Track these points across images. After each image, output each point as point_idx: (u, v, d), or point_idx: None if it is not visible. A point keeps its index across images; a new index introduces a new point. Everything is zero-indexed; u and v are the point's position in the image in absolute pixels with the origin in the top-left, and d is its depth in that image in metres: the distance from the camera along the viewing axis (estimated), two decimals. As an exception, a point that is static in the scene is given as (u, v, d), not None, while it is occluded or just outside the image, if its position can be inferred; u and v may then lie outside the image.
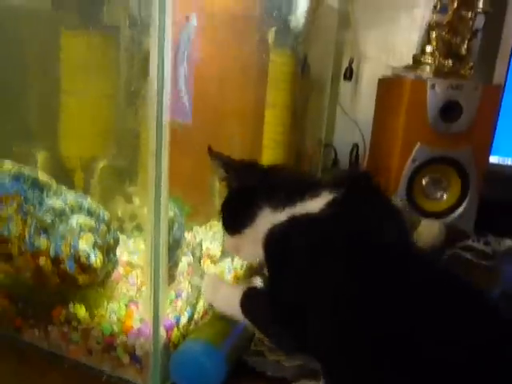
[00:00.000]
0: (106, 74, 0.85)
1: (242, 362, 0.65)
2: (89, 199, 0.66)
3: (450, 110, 1.11)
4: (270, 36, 0.94)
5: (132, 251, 0.80)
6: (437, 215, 1.15)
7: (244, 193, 0.62)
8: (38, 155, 0.89)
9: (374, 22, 1.39)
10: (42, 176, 0.63)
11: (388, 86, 1.27)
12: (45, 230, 0.61)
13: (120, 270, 0.73)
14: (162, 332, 0.60)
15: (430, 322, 0.46)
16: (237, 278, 0.78)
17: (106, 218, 0.66)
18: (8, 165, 0.63)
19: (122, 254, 0.78)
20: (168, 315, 0.64)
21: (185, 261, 0.76)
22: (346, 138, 1.48)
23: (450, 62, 1.15)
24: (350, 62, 1.39)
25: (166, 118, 0.54)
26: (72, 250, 0.61)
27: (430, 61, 1.17)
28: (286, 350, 0.59)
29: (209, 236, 0.88)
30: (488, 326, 0.46)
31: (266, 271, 0.59)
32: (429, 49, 1.18)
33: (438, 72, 1.15)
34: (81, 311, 0.63)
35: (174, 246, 0.69)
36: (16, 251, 0.62)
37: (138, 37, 0.68)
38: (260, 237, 0.57)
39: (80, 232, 0.62)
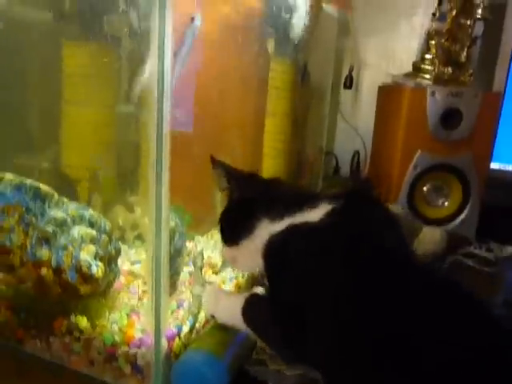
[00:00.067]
0: (107, 84, 0.86)
1: (244, 371, 0.65)
2: (90, 210, 0.66)
3: (450, 117, 1.12)
4: (270, 46, 0.95)
5: (134, 261, 0.80)
6: (438, 222, 1.16)
7: (244, 204, 0.62)
8: (41, 166, 0.90)
9: (373, 30, 1.40)
10: (44, 186, 0.63)
11: (388, 94, 1.27)
12: (46, 240, 0.62)
13: (122, 279, 0.73)
14: (164, 342, 0.60)
15: (429, 331, 0.46)
16: (238, 287, 0.78)
17: (107, 228, 0.66)
18: (9, 175, 0.63)
19: (123, 263, 0.78)
20: (169, 325, 0.63)
21: (186, 270, 0.76)
22: (347, 145, 1.48)
23: (450, 69, 1.15)
24: (350, 71, 1.40)
25: (166, 127, 0.55)
26: (73, 261, 0.61)
27: (429, 68, 1.18)
28: (286, 358, 0.59)
29: (210, 245, 0.88)
30: (487, 335, 0.46)
31: (266, 281, 0.59)
32: (428, 56, 1.19)
33: (438, 79, 1.15)
34: (82, 321, 0.63)
35: (175, 256, 0.69)
36: (18, 262, 0.62)
37: (138, 47, 0.68)
38: (258, 248, 0.58)
39: (81, 243, 0.62)
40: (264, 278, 0.60)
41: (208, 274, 0.80)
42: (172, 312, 0.67)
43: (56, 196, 0.64)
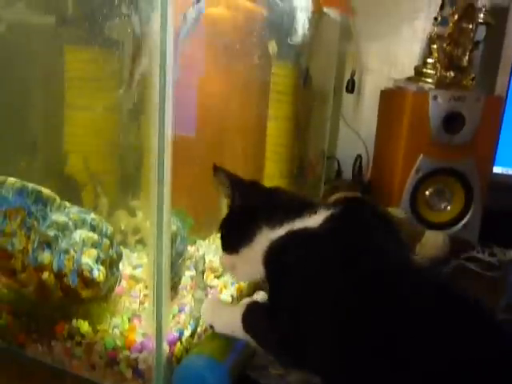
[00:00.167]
0: (109, 89, 0.86)
1: (245, 376, 0.65)
2: (92, 214, 0.66)
3: (452, 121, 1.12)
4: (271, 47, 0.95)
5: (136, 265, 0.80)
6: (441, 226, 1.15)
7: (245, 212, 0.62)
8: (44, 169, 0.90)
9: (375, 34, 1.40)
10: (46, 190, 0.63)
11: (390, 98, 1.27)
12: (48, 244, 0.62)
13: (123, 283, 0.73)
14: (165, 346, 0.60)
15: (430, 337, 0.46)
16: (240, 291, 0.78)
17: (108, 232, 0.66)
18: (11, 179, 0.63)
19: (125, 267, 0.78)
20: (171, 329, 0.63)
21: (188, 274, 0.76)
22: (349, 149, 1.48)
23: (452, 73, 1.15)
24: (352, 75, 1.40)
25: (168, 131, 0.55)
26: (75, 265, 0.61)
27: (431, 72, 1.18)
28: (285, 364, 0.59)
29: (212, 249, 0.88)
30: (488, 342, 0.46)
31: (267, 287, 0.59)
32: (430, 60, 1.19)
33: (440, 83, 1.15)
34: (84, 326, 0.63)
35: (177, 260, 0.69)
36: (19, 266, 0.62)
37: (139, 51, 0.68)
38: (258, 256, 0.58)
39: (83, 247, 0.62)
40: (265, 284, 0.60)
41: (210, 278, 0.79)
42: (173, 316, 0.67)
43: (58, 200, 0.64)
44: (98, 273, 0.61)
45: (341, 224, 0.56)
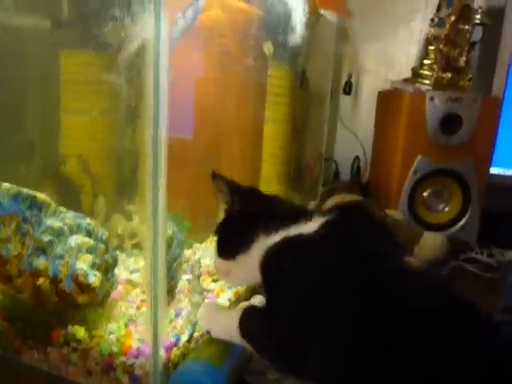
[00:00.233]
0: (104, 93, 0.86)
1: (242, 380, 0.64)
2: (87, 219, 0.66)
3: (449, 122, 1.11)
4: (266, 47, 0.94)
5: (132, 270, 0.80)
6: (439, 227, 1.15)
7: (244, 219, 0.62)
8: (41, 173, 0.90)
9: (372, 35, 1.40)
10: (40, 195, 0.63)
11: (387, 99, 1.27)
12: (43, 250, 0.61)
13: (120, 288, 0.73)
14: (162, 352, 0.59)
15: (427, 341, 0.46)
16: (237, 295, 0.78)
17: (104, 237, 0.66)
18: (6, 185, 0.62)
19: (122, 272, 0.77)
20: (168, 334, 0.63)
21: (184, 278, 0.76)
22: (347, 151, 1.48)
23: (449, 74, 1.15)
24: (349, 77, 1.39)
25: (163, 135, 0.54)
26: (70, 270, 0.61)
27: (428, 73, 1.17)
28: (281, 370, 0.58)
29: (209, 253, 0.88)
30: (483, 343, 0.46)
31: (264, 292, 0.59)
32: (427, 62, 1.18)
33: (437, 84, 1.15)
34: (80, 332, 0.62)
35: (173, 264, 0.69)
36: (15, 272, 0.62)
37: (134, 55, 0.68)
38: (253, 262, 0.58)
39: (78, 252, 0.62)
40: (262, 288, 0.60)
41: (207, 282, 0.79)
42: (170, 321, 0.67)
43: (53, 205, 0.64)
44: (94, 278, 0.61)
45: (336, 230, 0.56)
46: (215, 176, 0.64)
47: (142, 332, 0.62)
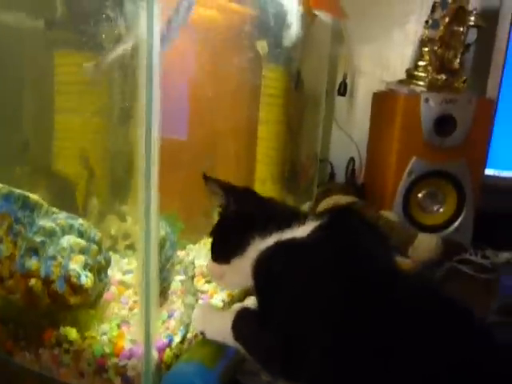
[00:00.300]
0: (98, 93, 0.85)
1: (236, 381, 0.64)
2: (80, 220, 0.66)
3: (444, 124, 1.12)
4: (260, 46, 0.94)
5: (126, 271, 0.79)
6: (433, 229, 1.15)
7: (239, 220, 0.61)
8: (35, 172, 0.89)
9: (367, 37, 1.40)
10: (33, 196, 0.63)
11: (382, 101, 1.27)
12: (35, 250, 0.61)
13: (113, 289, 0.73)
14: (154, 353, 0.59)
15: (419, 345, 0.46)
16: (231, 297, 0.77)
17: (96, 238, 0.65)
18: (-2, 185, 0.62)
19: (115, 273, 0.77)
20: (160, 335, 0.63)
21: (178, 280, 0.76)
22: (342, 152, 1.48)
23: (444, 76, 1.15)
24: (344, 78, 1.39)
25: (155, 135, 0.54)
26: (62, 271, 0.60)
27: (423, 75, 1.18)
28: (273, 374, 0.58)
29: (203, 254, 0.88)
30: (474, 348, 0.46)
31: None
32: (422, 63, 1.19)
33: (432, 86, 1.15)
34: (72, 333, 0.62)
35: (166, 265, 0.68)
36: (6, 273, 0.62)
37: (127, 56, 0.68)
38: (247, 266, 0.57)
39: (71, 252, 0.62)
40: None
41: (200, 283, 0.79)
42: (163, 322, 0.66)
43: (45, 205, 0.64)
44: (86, 279, 0.61)
45: (327, 233, 0.56)
46: (207, 178, 0.64)
47: (134, 333, 0.62)
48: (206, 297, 0.75)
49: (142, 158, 0.53)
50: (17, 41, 0.85)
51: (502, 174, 1.23)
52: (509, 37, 1.17)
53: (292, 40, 1.01)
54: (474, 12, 1.14)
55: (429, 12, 1.17)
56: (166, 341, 0.62)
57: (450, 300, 0.51)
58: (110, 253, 0.73)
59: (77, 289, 0.61)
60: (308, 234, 0.56)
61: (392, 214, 1.12)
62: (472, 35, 1.18)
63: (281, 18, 0.99)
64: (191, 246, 0.92)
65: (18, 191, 0.61)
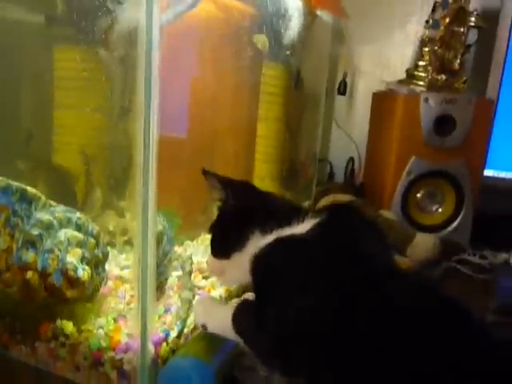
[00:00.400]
0: (98, 88, 0.86)
1: (232, 377, 0.64)
2: (78, 213, 0.65)
3: (443, 124, 1.12)
4: (260, 41, 0.94)
5: (123, 266, 0.79)
6: (432, 229, 1.15)
7: (239, 214, 0.61)
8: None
9: (367, 37, 1.40)
10: (31, 189, 0.63)
11: (382, 101, 1.27)
12: (32, 243, 0.61)
13: (110, 284, 0.73)
14: (150, 347, 0.59)
15: (417, 344, 0.46)
16: (229, 292, 0.77)
17: (94, 231, 0.65)
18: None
19: (113, 268, 0.77)
20: (157, 330, 0.63)
21: (175, 275, 0.76)
22: (341, 152, 1.48)
23: (444, 76, 1.15)
24: (344, 77, 1.40)
25: (154, 131, 0.54)
26: (59, 264, 0.60)
27: (423, 75, 1.18)
28: (272, 367, 0.58)
29: (200, 250, 0.88)
30: (474, 348, 0.46)
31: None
32: (422, 63, 1.19)
33: (432, 86, 1.15)
34: (68, 326, 0.62)
35: (163, 260, 0.68)
36: (3, 265, 0.61)
37: (127, 51, 0.68)
38: (247, 261, 0.57)
39: (68, 246, 0.62)
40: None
41: (198, 279, 0.79)
42: (159, 317, 0.66)
43: (43, 198, 0.64)
44: (83, 272, 0.61)
45: (326, 230, 0.56)
46: (206, 173, 0.64)
47: (130, 327, 0.62)
48: (203, 292, 0.75)
49: (140, 149, 0.53)
50: (17, 36, 0.86)
51: (501, 175, 1.23)
52: (509, 38, 1.17)
53: (292, 38, 1.01)
54: (475, 13, 1.14)
55: (429, 12, 1.17)
56: (162, 335, 0.62)
57: (449, 299, 0.51)
58: (108, 248, 0.73)
59: (73, 282, 0.61)
60: (307, 231, 0.56)
61: (391, 214, 1.12)
62: (472, 36, 1.18)
63: (282, 17, 0.99)
64: (189, 242, 0.92)
65: (16, 184, 0.61)
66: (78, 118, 0.86)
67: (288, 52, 1.02)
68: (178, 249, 0.83)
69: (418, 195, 1.17)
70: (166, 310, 0.68)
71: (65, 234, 0.62)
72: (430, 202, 1.18)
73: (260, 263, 0.57)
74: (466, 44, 1.15)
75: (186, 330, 0.66)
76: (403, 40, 1.37)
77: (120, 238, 0.82)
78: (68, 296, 0.61)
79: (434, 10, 1.16)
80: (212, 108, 0.92)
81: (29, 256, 0.60)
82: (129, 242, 0.82)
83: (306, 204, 1.17)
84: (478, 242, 1.15)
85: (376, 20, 1.38)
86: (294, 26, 1.01)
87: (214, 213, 0.66)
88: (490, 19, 1.18)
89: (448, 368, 0.44)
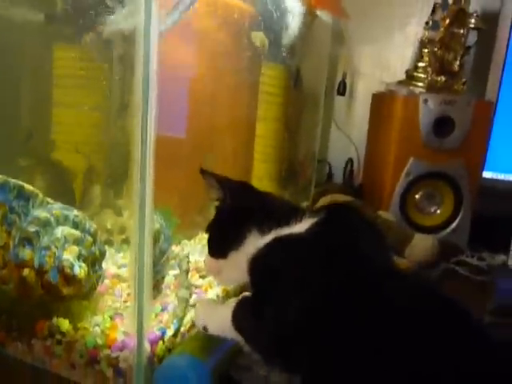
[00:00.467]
0: (97, 87, 0.86)
1: (229, 376, 0.64)
2: (75, 211, 0.65)
3: (442, 125, 1.12)
4: (257, 39, 0.93)
5: (121, 264, 0.79)
6: (430, 230, 1.15)
7: (236, 213, 0.61)
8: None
9: (367, 37, 1.40)
10: (28, 186, 0.62)
11: (381, 102, 1.27)
12: (29, 240, 0.61)
13: (107, 282, 0.72)
14: (146, 345, 0.59)
15: (416, 344, 0.45)
16: (226, 291, 0.77)
17: (91, 229, 0.65)
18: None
19: (110, 266, 0.77)
20: (153, 328, 0.62)
21: (172, 274, 0.76)
22: (340, 152, 1.48)
23: (443, 77, 1.15)
24: (343, 77, 1.40)
25: (151, 129, 0.54)
26: (56, 261, 0.60)
27: (422, 76, 1.18)
28: (272, 365, 0.58)
29: (197, 249, 0.88)
30: (471, 349, 0.46)
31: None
32: (421, 64, 1.19)
33: (431, 87, 1.15)
34: (64, 324, 0.62)
35: (160, 258, 0.68)
36: (0, 262, 0.61)
37: (126, 49, 0.68)
38: (244, 260, 0.57)
39: (65, 243, 0.61)
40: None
41: (194, 278, 0.79)
42: (156, 315, 0.66)
43: (40, 196, 0.63)
44: (79, 269, 0.61)
45: (325, 228, 0.56)
46: (204, 172, 0.64)
47: (127, 325, 0.62)
48: (200, 291, 0.75)
49: (138, 146, 0.53)
50: (17, 34, 0.86)
51: (500, 177, 1.23)
52: (509, 39, 1.17)
53: (292, 38, 1.01)
54: (475, 14, 1.14)
55: (429, 13, 1.17)
56: (158, 333, 0.62)
57: (448, 300, 0.50)
58: (106, 246, 0.73)
59: (70, 279, 0.61)
60: (305, 230, 0.56)
61: (389, 215, 1.12)
62: (472, 37, 1.18)
63: (281, 16, 0.99)
64: (186, 241, 0.91)
65: (13, 181, 0.61)
66: (77, 116, 0.86)
67: (287, 52, 1.02)
68: (175, 247, 0.83)
69: (417, 196, 1.17)
70: (163, 309, 0.68)
71: (62, 231, 0.62)
72: (429, 203, 1.18)
73: (258, 263, 0.57)
74: (465, 45, 1.15)
75: (182, 329, 0.66)
76: (403, 41, 1.37)
77: (118, 237, 0.82)
78: (64, 293, 0.61)
79: (433, 11, 1.16)
80: (211, 107, 0.92)
81: (25, 253, 0.60)
82: (126, 241, 0.82)
83: (305, 204, 1.17)
84: (476, 243, 1.15)
85: (376, 21, 1.38)
86: (293, 26, 1.01)
87: (212, 212, 0.66)
88: (489, 21, 1.18)
89: (446, 369, 0.43)
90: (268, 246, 0.56)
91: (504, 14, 1.18)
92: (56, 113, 0.88)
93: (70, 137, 0.88)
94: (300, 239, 0.55)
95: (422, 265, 1.01)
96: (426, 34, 1.16)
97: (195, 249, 0.88)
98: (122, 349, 0.59)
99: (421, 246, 1.03)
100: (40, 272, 0.60)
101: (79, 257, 0.62)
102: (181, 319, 0.66)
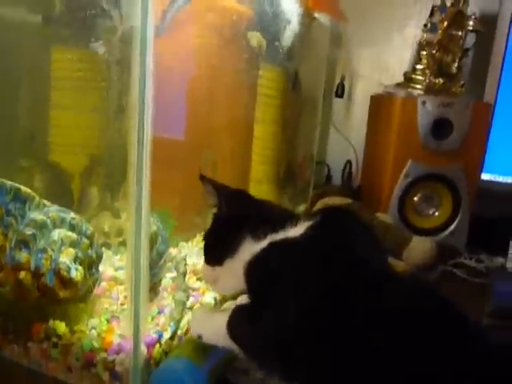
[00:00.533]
0: (95, 89, 0.85)
1: (225, 379, 0.64)
2: (72, 213, 0.65)
3: (440, 127, 1.12)
4: (253, 39, 0.93)
5: (118, 267, 0.79)
6: (428, 232, 1.15)
7: (231, 220, 0.61)
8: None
9: (366, 40, 1.40)
10: (25, 188, 0.62)
11: (380, 104, 1.27)
12: (26, 243, 0.60)
13: (104, 285, 0.72)
14: (143, 348, 0.59)
15: (413, 347, 0.45)
16: (223, 295, 0.77)
17: (88, 232, 0.65)
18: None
19: (107, 269, 0.77)
20: (149, 331, 0.62)
21: (169, 276, 0.75)
22: (339, 154, 1.48)
23: (441, 79, 1.15)
24: (342, 79, 1.40)
25: (147, 131, 0.54)
26: (52, 264, 0.60)
27: (421, 78, 1.18)
28: (271, 371, 0.58)
29: (195, 252, 0.87)
30: (469, 351, 0.46)
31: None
32: (420, 67, 1.19)
33: (429, 89, 1.15)
34: (61, 327, 0.62)
35: (157, 260, 0.68)
36: (-4, 265, 0.61)
37: (122, 51, 0.68)
38: (240, 268, 0.57)
39: (61, 246, 0.61)
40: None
41: (192, 281, 0.78)
42: (152, 318, 0.66)
43: (37, 198, 0.63)
44: (76, 272, 0.60)
45: (321, 232, 0.56)
46: (203, 178, 0.64)
47: (123, 328, 0.62)
48: (198, 294, 0.75)
49: (134, 147, 0.53)
50: (15, 36, 0.85)
51: (498, 179, 1.23)
52: (507, 41, 1.17)
53: (290, 41, 1.01)
54: (473, 16, 1.15)
55: (428, 16, 1.17)
56: (155, 336, 0.62)
57: (445, 302, 0.50)
58: (103, 249, 0.72)
59: (66, 282, 0.60)
60: (301, 234, 0.56)
61: (387, 217, 1.12)
62: (470, 39, 1.18)
63: (279, 19, 0.99)
64: (183, 243, 0.91)
65: (9, 183, 0.61)
66: (75, 118, 0.86)
67: (286, 54, 1.02)
68: (172, 250, 0.83)
69: (415, 198, 1.17)
70: (160, 312, 0.67)
71: (58, 233, 0.62)
72: (427, 206, 1.18)
73: (254, 267, 0.57)
74: (463, 48, 1.15)
75: (179, 332, 0.66)
76: (401, 43, 1.37)
77: (115, 239, 0.82)
78: (61, 296, 0.61)
79: (432, 13, 1.17)
80: (209, 109, 0.91)
81: (22, 256, 0.60)
82: (124, 243, 0.82)
83: (303, 207, 1.17)
84: (475, 245, 1.15)
85: (374, 23, 1.38)
86: (291, 29, 1.01)
87: (210, 218, 0.66)
88: (487, 23, 1.18)
89: (444, 371, 0.43)
90: (263, 250, 0.56)
91: (502, 17, 1.18)
92: (54, 115, 0.88)
93: (68, 139, 0.88)
94: (295, 243, 0.55)
95: (420, 267, 1.01)
96: (425, 36, 1.17)
97: (193, 251, 0.88)
98: (118, 352, 0.59)
99: (419, 248, 1.03)
100: (36, 275, 0.60)
101: (76, 259, 0.62)
102: (178, 322, 0.66)
